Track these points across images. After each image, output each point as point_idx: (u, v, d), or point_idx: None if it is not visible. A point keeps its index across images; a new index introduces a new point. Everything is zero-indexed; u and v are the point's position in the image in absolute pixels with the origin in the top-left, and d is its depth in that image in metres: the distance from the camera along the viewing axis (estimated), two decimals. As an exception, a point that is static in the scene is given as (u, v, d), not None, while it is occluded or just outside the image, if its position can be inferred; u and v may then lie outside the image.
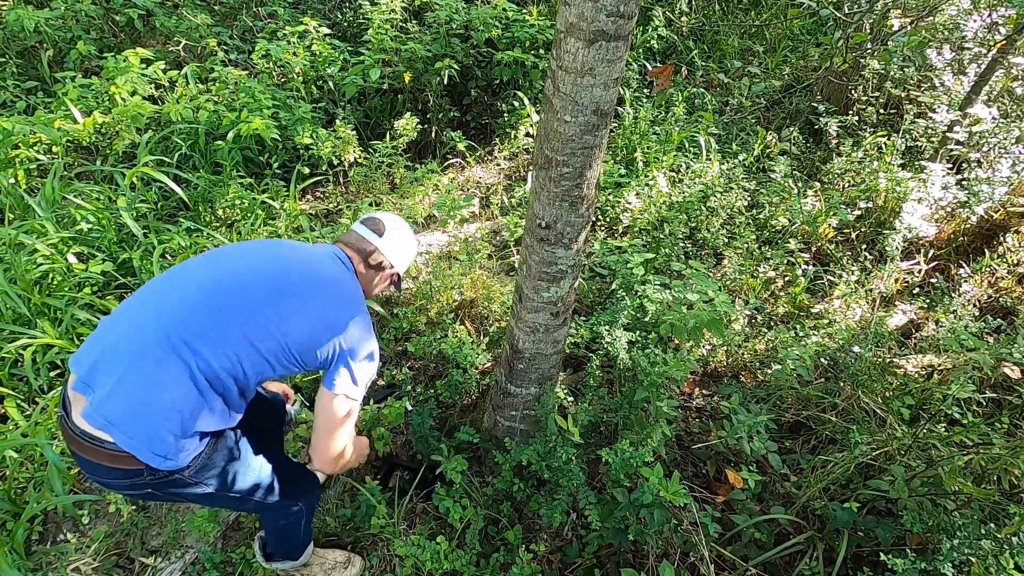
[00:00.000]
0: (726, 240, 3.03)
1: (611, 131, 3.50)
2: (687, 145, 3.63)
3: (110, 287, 2.50)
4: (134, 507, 2.01)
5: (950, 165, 3.38)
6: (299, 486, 1.56)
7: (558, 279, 1.63)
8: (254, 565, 1.82)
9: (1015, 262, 2.87)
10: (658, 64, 4.22)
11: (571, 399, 1.99)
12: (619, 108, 3.68)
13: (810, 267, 2.93)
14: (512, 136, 3.74)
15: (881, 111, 3.89)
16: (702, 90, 4.08)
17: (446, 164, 3.72)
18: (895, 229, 2.78)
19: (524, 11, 3.89)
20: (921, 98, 3.71)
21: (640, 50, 4.09)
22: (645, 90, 4.00)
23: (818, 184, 3.46)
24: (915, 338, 2.60)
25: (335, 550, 1.86)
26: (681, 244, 2.91)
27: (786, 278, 2.90)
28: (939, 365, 2.34)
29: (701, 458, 2.16)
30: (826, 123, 3.59)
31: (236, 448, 1.36)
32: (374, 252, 1.50)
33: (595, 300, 2.73)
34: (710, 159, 3.40)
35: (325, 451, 1.35)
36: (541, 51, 3.77)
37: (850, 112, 3.92)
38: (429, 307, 2.63)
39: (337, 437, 1.34)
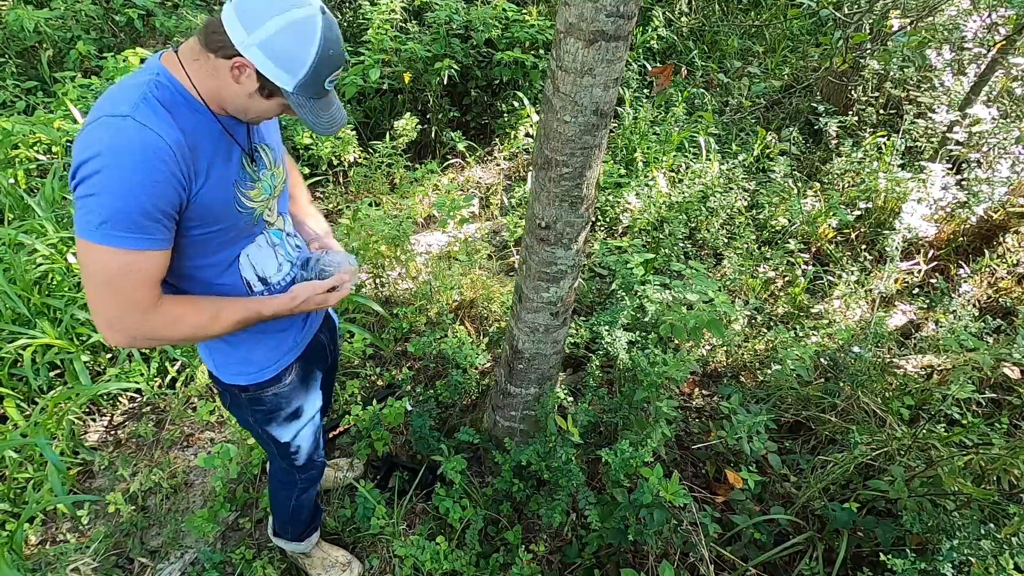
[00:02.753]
0: (726, 240, 3.03)
1: (611, 131, 3.50)
2: (687, 145, 3.63)
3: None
4: (133, 507, 2.01)
5: (950, 165, 3.38)
6: (308, 461, 1.54)
7: (558, 279, 1.63)
8: (254, 565, 1.82)
9: (1015, 262, 2.87)
10: (658, 64, 4.22)
11: (571, 399, 1.99)
12: (619, 108, 3.68)
13: (810, 267, 2.93)
14: (512, 136, 3.74)
15: (881, 111, 3.89)
16: (702, 90, 4.08)
17: (446, 164, 3.72)
18: (895, 229, 2.78)
19: (524, 11, 3.89)
20: (921, 98, 3.71)
21: (640, 50, 4.09)
22: (645, 90, 4.00)
23: (818, 184, 3.47)
24: (915, 338, 2.60)
25: (340, 549, 1.87)
26: (681, 244, 2.91)
27: (786, 278, 2.90)
28: (939, 365, 2.34)
29: (701, 458, 2.16)
30: (826, 123, 3.60)
31: (293, 396, 1.37)
32: (210, 25, 0.98)
33: (595, 300, 2.73)
34: (710, 159, 3.40)
35: (96, 317, 1.01)
36: (541, 51, 3.77)
37: (850, 112, 3.92)
38: (429, 307, 2.63)
39: (88, 296, 0.98)
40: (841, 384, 2.18)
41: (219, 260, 1.13)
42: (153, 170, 0.91)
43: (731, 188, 3.15)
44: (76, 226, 0.92)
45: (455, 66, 3.50)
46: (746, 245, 2.94)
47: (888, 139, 3.47)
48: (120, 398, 2.34)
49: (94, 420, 2.29)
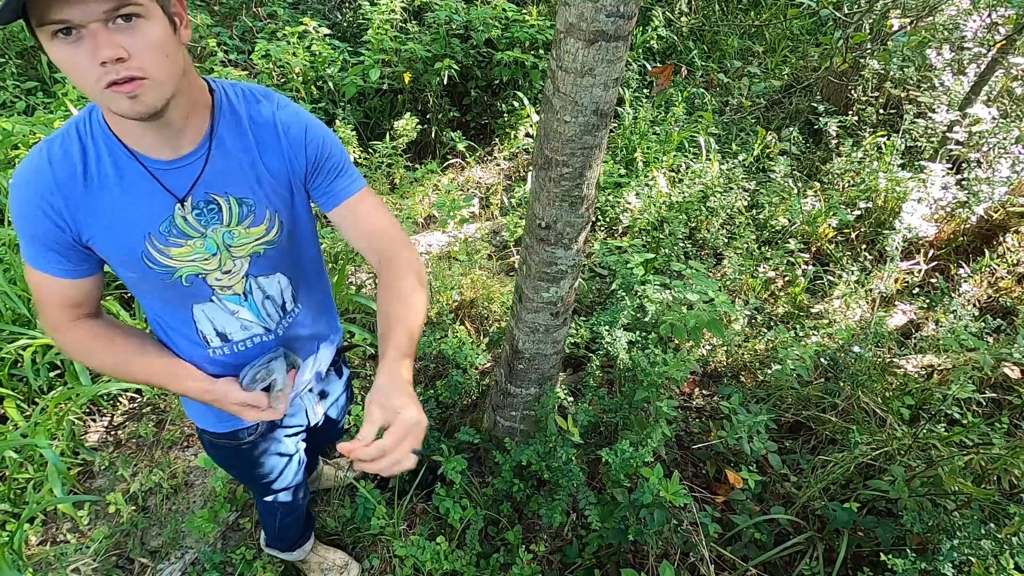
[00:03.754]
0: (726, 240, 3.03)
1: (611, 131, 3.50)
2: (687, 145, 3.63)
3: (109, 287, 2.49)
4: (134, 507, 2.01)
5: (950, 165, 3.38)
6: (285, 504, 1.51)
7: (558, 279, 1.63)
8: (254, 565, 1.82)
9: (1015, 262, 2.87)
10: (658, 64, 4.22)
11: (571, 399, 1.99)
12: (619, 108, 3.68)
13: (810, 267, 2.93)
14: (512, 136, 3.74)
15: (881, 111, 3.89)
16: (702, 90, 4.08)
17: (446, 164, 3.72)
18: (895, 229, 2.78)
19: (524, 11, 3.89)
20: (921, 98, 3.71)
21: (640, 50, 4.09)
22: (645, 90, 4.00)
23: (818, 184, 3.47)
24: (915, 338, 2.60)
25: (336, 551, 1.86)
26: (681, 244, 2.91)
27: (786, 278, 2.90)
28: (939, 365, 2.34)
29: (701, 458, 2.16)
30: (826, 123, 3.60)
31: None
32: None
33: (595, 300, 2.73)
34: (710, 159, 3.40)
35: None
36: (541, 51, 3.77)
37: (850, 112, 3.92)
38: (429, 308, 2.63)
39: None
40: (841, 384, 2.18)
41: (166, 307, 1.04)
42: (27, 203, 0.87)
43: (731, 188, 3.15)
44: None
45: (455, 66, 3.50)
46: (746, 245, 2.94)
47: (888, 139, 3.47)
48: (120, 398, 2.34)
49: (94, 420, 2.29)
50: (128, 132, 0.88)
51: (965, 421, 1.91)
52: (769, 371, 2.35)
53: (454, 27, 3.66)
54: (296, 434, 1.37)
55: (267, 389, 1.10)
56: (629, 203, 3.10)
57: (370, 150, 3.41)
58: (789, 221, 3.10)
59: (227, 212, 0.97)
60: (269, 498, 1.48)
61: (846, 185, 3.37)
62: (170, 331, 1.08)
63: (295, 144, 0.99)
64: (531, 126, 3.68)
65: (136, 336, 1.06)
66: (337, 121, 3.28)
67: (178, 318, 1.05)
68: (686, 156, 3.54)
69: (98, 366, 1.03)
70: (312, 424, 1.39)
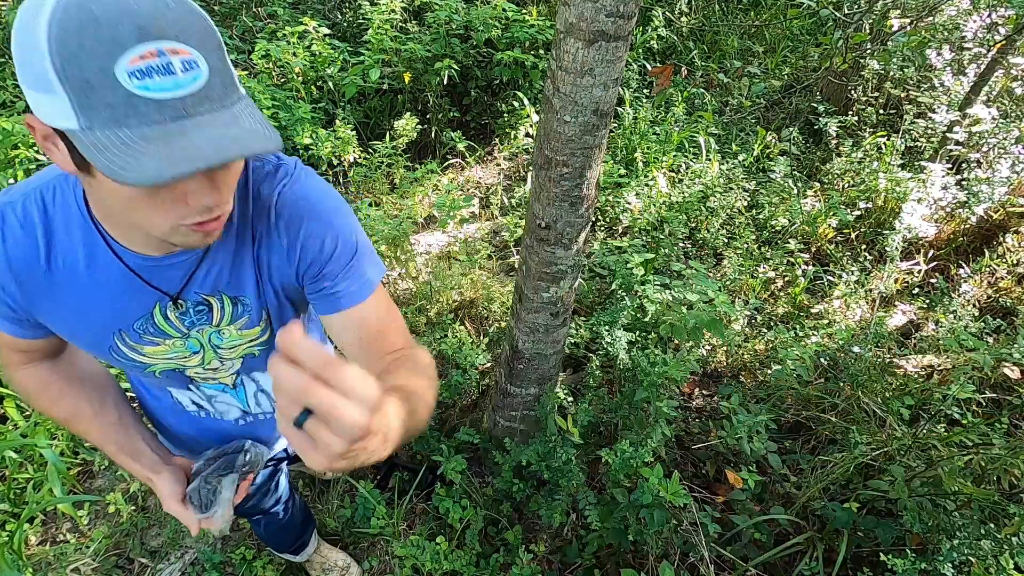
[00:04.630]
0: (726, 240, 3.03)
1: (611, 131, 3.50)
2: (687, 145, 3.63)
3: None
4: (133, 507, 2.01)
5: (950, 165, 3.38)
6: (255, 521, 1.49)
7: (558, 279, 1.63)
8: (254, 565, 1.82)
9: (1015, 262, 2.87)
10: (658, 64, 4.22)
11: (571, 399, 1.99)
12: (619, 108, 3.68)
13: (810, 267, 2.93)
14: (512, 136, 3.74)
15: (881, 111, 3.89)
16: (702, 90, 4.08)
17: (446, 164, 3.72)
18: (895, 229, 2.78)
19: (524, 11, 3.89)
20: (921, 98, 3.71)
21: (640, 50, 4.09)
22: (645, 90, 4.00)
23: (818, 184, 3.46)
24: (915, 338, 2.60)
25: (338, 551, 1.86)
26: (681, 244, 2.91)
27: (786, 278, 2.90)
28: (939, 365, 2.34)
29: (701, 458, 2.16)
30: (826, 123, 3.60)
31: None
32: None
33: (595, 300, 2.73)
34: (710, 159, 3.40)
35: None
36: (541, 51, 3.77)
37: (850, 112, 3.92)
38: (429, 307, 2.63)
39: None
40: (841, 384, 2.18)
41: (145, 382, 0.99)
42: None
43: (731, 188, 3.15)
44: None
45: (455, 66, 3.50)
46: (746, 245, 2.94)
47: (888, 139, 3.47)
48: (120, 398, 2.34)
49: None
50: (117, 226, 0.72)
51: (965, 421, 1.91)
52: (769, 371, 2.35)
53: (454, 27, 3.66)
54: (277, 464, 1.31)
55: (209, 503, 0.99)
56: (629, 203, 3.10)
57: (370, 150, 3.41)
58: (789, 221, 3.10)
59: (217, 312, 0.84)
60: (256, 517, 1.47)
61: (846, 185, 3.37)
62: (144, 390, 1.03)
63: (292, 237, 0.80)
64: (531, 126, 3.68)
65: (96, 392, 0.95)
66: (337, 121, 3.28)
67: (152, 388, 1.00)
68: (686, 156, 3.54)
69: (45, 414, 0.96)
70: (291, 454, 1.32)
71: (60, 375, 0.92)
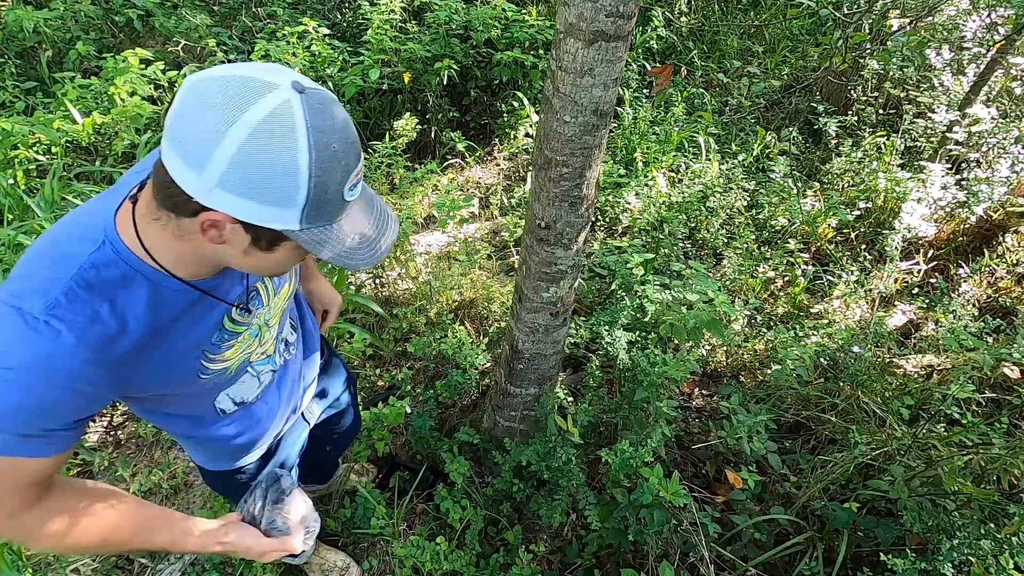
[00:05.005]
0: (726, 240, 3.03)
1: (611, 131, 3.50)
2: (687, 145, 3.63)
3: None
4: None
5: (949, 165, 3.38)
6: None
7: (558, 279, 1.63)
8: (254, 566, 1.82)
9: (1014, 262, 2.87)
10: (658, 64, 4.22)
11: (571, 399, 1.99)
12: (619, 108, 3.68)
13: (809, 267, 2.93)
14: (512, 136, 3.74)
15: (880, 111, 3.89)
16: (701, 90, 4.08)
17: (445, 164, 3.72)
18: (894, 229, 2.78)
19: (524, 11, 3.89)
20: (920, 98, 3.71)
21: (640, 50, 4.09)
22: (645, 90, 4.00)
23: (817, 184, 3.47)
24: (915, 338, 2.60)
25: (337, 552, 1.86)
26: (681, 244, 2.91)
27: (786, 278, 2.90)
28: (939, 365, 2.34)
29: (701, 458, 2.16)
30: (825, 123, 3.60)
31: None
32: (158, 172, 0.68)
33: (595, 300, 2.73)
34: (709, 159, 3.40)
35: None
36: (541, 51, 3.77)
37: (849, 112, 3.92)
38: (429, 307, 2.63)
39: None
40: (841, 384, 2.18)
41: (191, 410, 0.98)
42: (55, 392, 0.70)
43: (731, 188, 3.15)
44: None
45: (455, 66, 3.50)
46: (746, 245, 2.94)
47: (888, 139, 3.47)
48: (120, 398, 2.34)
49: (94, 421, 2.29)
50: (185, 262, 0.76)
51: (965, 421, 1.91)
52: (769, 371, 2.35)
53: (454, 27, 3.66)
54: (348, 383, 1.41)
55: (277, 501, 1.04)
56: (629, 203, 3.10)
57: (370, 150, 3.41)
58: (789, 221, 3.10)
59: (265, 293, 0.94)
60: None
61: (846, 185, 3.37)
62: (179, 424, 1.03)
63: None
64: (531, 126, 3.68)
65: (113, 491, 0.89)
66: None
67: (198, 410, 0.99)
68: (686, 156, 3.54)
69: (78, 545, 0.83)
70: (310, 423, 1.39)
71: (71, 495, 0.83)
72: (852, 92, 3.99)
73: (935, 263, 3.03)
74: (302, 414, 1.34)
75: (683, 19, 4.54)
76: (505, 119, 3.79)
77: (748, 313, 2.59)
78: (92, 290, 0.72)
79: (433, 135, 3.75)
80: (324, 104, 0.65)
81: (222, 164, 0.61)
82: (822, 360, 2.31)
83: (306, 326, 1.26)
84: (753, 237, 2.99)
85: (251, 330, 0.94)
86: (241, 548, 0.97)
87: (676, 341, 2.40)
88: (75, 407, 0.74)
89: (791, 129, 3.72)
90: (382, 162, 3.34)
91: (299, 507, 1.06)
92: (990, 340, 2.44)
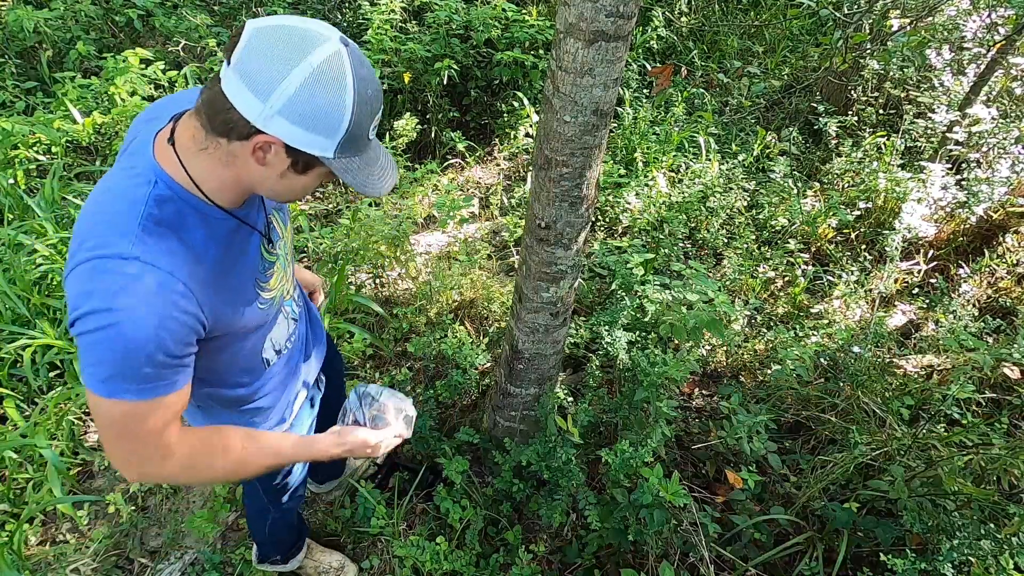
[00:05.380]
0: (726, 240, 3.03)
1: (611, 131, 3.50)
2: (687, 145, 3.63)
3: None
4: (133, 507, 2.01)
5: (949, 165, 3.38)
6: (276, 490, 1.47)
7: (558, 279, 1.63)
8: (254, 566, 1.82)
9: (1014, 262, 2.87)
10: (658, 64, 4.22)
11: (571, 399, 1.99)
12: (619, 108, 3.68)
13: (810, 267, 2.93)
14: (512, 136, 3.74)
15: (880, 111, 3.89)
16: (702, 90, 4.08)
17: (445, 164, 3.72)
18: (895, 229, 2.78)
19: (524, 11, 3.89)
20: (920, 98, 3.71)
21: (640, 50, 4.09)
22: (645, 90, 4.00)
23: (818, 184, 3.46)
24: (915, 338, 2.60)
25: (333, 553, 1.85)
26: (681, 244, 2.91)
27: (786, 278, 2.90)
28: (939, 365, 2.34)
29: (701, 458, 2.16)
30: (826, 123, 3.60)
31: None
32: (211, 103, 0.77)
33: (595, 300, 2.73)
34: (710, 159, 3.40)
35: (107, 453, 0.90)
36: (541, 51, 3.77)
37: (849, 112, 3.92)
38: (429, 307, 2.63)
39: (105, 442, 0.87)
40: (841, 384, 2.18)
41: (244, 358, 1.05)
42: (166, 320, 0.77)
43: (731, 188, 3.15)
44: (81, 371, 0.80)
45: (455, 66, 3.50)
46: (746, 245, 2.94)
47: (888, 139, 3.47)
48: (120, 398, 2.34)
49: (94, 420, 2.29)
50: (225, 190, 0.86)
51: (965, 421, 1.91)
52: (769, 371, 2.35)
53: (454, 27, 3.66)
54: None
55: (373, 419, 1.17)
56: (629, 203, 3.10)
57: (370, 150, 3.40)
58: (789, 221, 3.10)
59: (279, 226, 1.06)
60: (285, 491, 1.45)
61: (846, 185, 3.37)
62: (231, 388, 1.07)
63: None
64: (531, 126, 3.68)
65: (227, 430, 1.00)
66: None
67: (250, 361, 1.06)
68: (686, 156, 3.54)
69: (208, 479, 0.97)
70: (315, 409, 1.43)
71: (200, 430, 0.95)
72: (852, 92, 3.99)
73: (935, 263, 3.03)
74: (310, 400, 1.36)
75: (683, 19, 4.54)
76: (505, 119, 3.79)
77: (748, 313, 2.59)
78: (162, 224, 0.80)
79: (433, 135, 3.75)
80: (362, 58, 0.80)
81: (284, 96, 0.74)
82: (822, 360, 2.31)
83: (312, 312, 1.35)
84: (753, 237, 2.99)
85: (280, 261, 1.05)
86: (359, 445, 1.08)
87: (676, 341, 2.40)
88: (182, 337, 0.81)
89: (791, 129, 3.72)
90: (382, 162, 3.34)
91: (391, 401, 1.18)
92: (990, 340, 2.44)
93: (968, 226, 3.05)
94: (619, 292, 2.35)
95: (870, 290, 2.75)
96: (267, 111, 0.74)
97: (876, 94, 3.97)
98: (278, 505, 1.49)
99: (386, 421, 1.15)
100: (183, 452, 0.90)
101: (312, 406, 1.40)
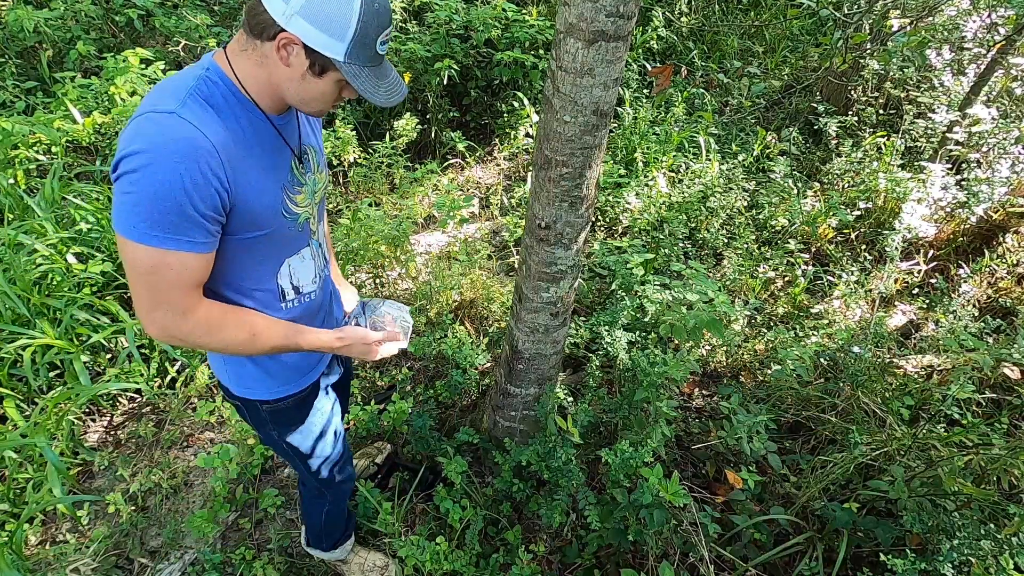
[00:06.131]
0: (726, 240, 3.03)
1: (611, 131, 3.50)
2: (687, 145, 3.63)
3: (109, 287, 2.49)
4: (133, 507, 2.01)
5: (949, 165, 3.38)
6: (337, 472, 1.51)
7: (558, 279, 1.63)
8: (254, 566, 1.82)
9: (1015, 262, 2.87)
10: (658, 64, 4.22)
11: (571, 399, 1.99)
12: (619, 108, 3.68)
13: (810, 267, 2.93)
14: (512, 136, 3.74)
15: (881, 111, 3.89)
16: (702, 90, 4.08)
17: (446, 164, 3.72)
18: (895, 229, 2.78)
19: (524, 11, 3.89)
20: (921, 98, 3.71)
21: (640, 50, 4.09)
22: (645, 90, 4.00)
23: (818, 184, 3.46)
24: (915, 338, 2.60)
25: (376, 552, 1.86)
26: (681, 244, 2.91)
27: (786, 278, 2.90)
28: (939, 365, 2.34)
29: (701, 458, 2.16)
30: (826, 123, 3.60)
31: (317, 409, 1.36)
32: (251, 9, 0.93)
33: (595, 300, 2.73)
34: (710, 159, 3.40)
35: (135, 307, 0.97)
36: (541, 51, 3.77)
37: (850, 112, 3.93)
38: (429, 307, 2.63)
39: (130, 285, 0.94)
40: (841, 384, 2.18)
41: (264, 269, 1.09)
42: (193, 171, 0.86)
43: (731, 188, 3.15)
44: (114, 218, 0.89)
45: (455, 66, 3.50)
46: (746, 245, 2.94)
47: (888, 139, 3.47)
48: (120, 398, 2.34)
49: (94, 420, 2.29)
50: (263, 93, 0.98)
51: (965, 421, 1.91)
52: (769, 371, 2.35)
53: (454, 27, 3.66)
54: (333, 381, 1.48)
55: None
56: (629, 203, 3.10)
57: (370, 150, 3.41)
58: (789, 221, 3.10)
59: (313, 161, 1.14)
60: (325, 465, 1.47)
61: (846, 185, 3.37)
62: (248, 296, 1.11)
63: None
64: (531, 126, 3.68)
65: (233, 300, 1.09)
66: (337, 121, 3.28)
67: (264, 277, 1.11)
68: (686, 156, 3.54)
69: (223, 344, 1.04)
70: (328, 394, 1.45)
71: (225, 304, 1.05)
72: (852, 92, 3.99)
73: (935, 263, 3.03)
74: (325, 389, 1.38)
75: (683, 19, 4.54)
76: (505, 119, 3.79)
77: (748, 313, 2.59)
78: (207, 101, 0.92)
79: (433, 135, 3.75)
80: None
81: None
82: (822, 360, 2.31)
83: (335, 294, 1.39)
84: (753, 237, 2.99)
85: (307, 189, 1.12)
86: (357, 339, 1.21)
87: (676, 341, 2.40)
88: (206, 194, 0.89)
89: (791, 129, 3.72)
90: (382, 162, 3.34)
91: (391, 311, 1.27)
92: (990, 340, 2.44)
93: (968, 226, 3.05)
94: (619, 292, 2.35)
95: (870, 290, 2.75)
96: (289, 11, 0.87)
97: (876, 94, 3.97)
98: (330, 488, 1.52)
99: (384, 327, 1.25)
100: (202, 314, 0.99)
101: (327, 393, 1.40)
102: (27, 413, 2.13)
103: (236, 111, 0.96)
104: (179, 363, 2.39)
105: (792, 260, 2.86)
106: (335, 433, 1.44)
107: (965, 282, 2.84)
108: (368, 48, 0.93)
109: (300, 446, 1.37)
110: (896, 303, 2.84)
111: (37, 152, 2.94)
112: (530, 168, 3.58)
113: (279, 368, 1.22)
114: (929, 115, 3.53)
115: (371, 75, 0.96)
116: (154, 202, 0.85)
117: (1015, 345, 2.05)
